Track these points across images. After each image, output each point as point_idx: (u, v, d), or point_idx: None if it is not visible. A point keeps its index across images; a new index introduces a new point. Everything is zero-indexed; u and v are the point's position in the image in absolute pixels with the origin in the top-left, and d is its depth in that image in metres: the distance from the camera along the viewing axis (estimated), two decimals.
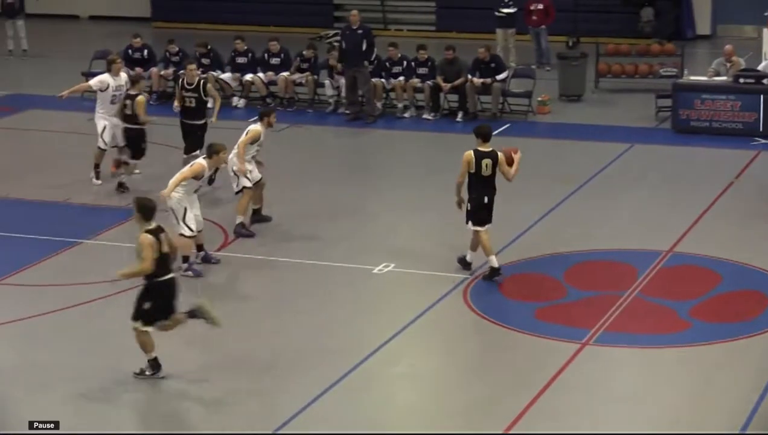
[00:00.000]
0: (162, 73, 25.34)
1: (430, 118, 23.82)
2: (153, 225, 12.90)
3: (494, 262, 15.63)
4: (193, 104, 19.27)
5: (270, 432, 11.96)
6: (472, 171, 15.54)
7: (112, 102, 19.42)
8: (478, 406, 12.63)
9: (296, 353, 13.88)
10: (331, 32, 30.10)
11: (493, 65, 23.83)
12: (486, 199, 15.63)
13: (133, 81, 19.33)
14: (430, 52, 24.40)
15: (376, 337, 14.15)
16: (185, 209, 15.77)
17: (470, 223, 15.69)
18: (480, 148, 15.60)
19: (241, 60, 25.18)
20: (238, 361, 13.72)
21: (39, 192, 19.34)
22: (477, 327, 14.60)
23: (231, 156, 16.84)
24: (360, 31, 23.91)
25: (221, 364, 13.69)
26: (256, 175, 17.46)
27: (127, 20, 32.24)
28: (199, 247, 16.36)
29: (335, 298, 15.50)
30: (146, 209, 12.92)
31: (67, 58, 28.43)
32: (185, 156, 18.84)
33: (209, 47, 25.37)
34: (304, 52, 24.93)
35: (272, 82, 24.95)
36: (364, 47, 23.68)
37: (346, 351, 13.84)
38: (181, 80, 19.75)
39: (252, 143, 17.26)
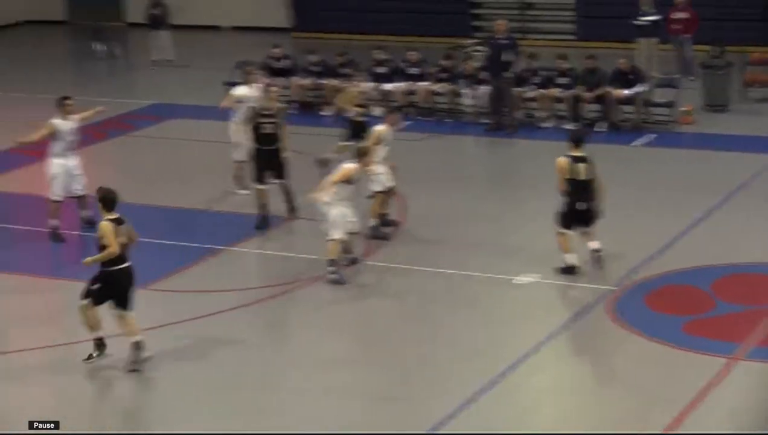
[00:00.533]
0: (302, 83, 25.48)
1: (570, 128, 23.52)
2: (114, 215, 13.54)
3: (571, 260, 15.83)
4: (272, 130, 18.01)
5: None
6: (568, 177, 15.67)
7: None
8: (624, 420, 12.36)
9: (438, 362, 13.79)
10: (470, 42, 29.97)
11: (631, 76, 23.49)
12: (583, 206, 15.73)
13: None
14: (570, 61, 24.14)
15: (520, 347, 13.97)
16: (338, 213, 15.89)
17: (557, 224, 15.87)
18: (572, 153, 15.77)
19: (380, 69, 25.20)
20: (383, 367, 13.72)
21: (182, 199, 19.54)
22: (622, 339, 14.27)
23: None
24: (506, 41, 23.75)
25: (368, 366, 13.79)
26: (389, 181, 17.52)
27: (269, 30, 32.52)
28: (347, 250, 16.41)
29: (477, 307, 15.37)
30: (107, 200, 13.61)
31: (210, 68, 28.74)
32: (262, 185, 18.09)
33: (349, 57, 25.45)
34: (442, 62, 24.87)
35: (411, 92, 24.92)
36: (508, 57, 23.52)
37: (489, 361, 13.69)
38: (256, 107, 18.28)
39: (376, 144, 17.24)
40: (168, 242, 17.63)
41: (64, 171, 17.84)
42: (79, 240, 18.22)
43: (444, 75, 24.74)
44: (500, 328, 14.74)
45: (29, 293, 16.09)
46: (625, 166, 21.37)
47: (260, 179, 18.02)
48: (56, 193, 17.87)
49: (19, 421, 12.01)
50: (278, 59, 25.82)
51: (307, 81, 25.58)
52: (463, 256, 16.96)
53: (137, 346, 13.56)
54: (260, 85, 20.12)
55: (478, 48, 26.82)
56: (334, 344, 14.53)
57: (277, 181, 18.20)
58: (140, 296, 15.81)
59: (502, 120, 23.65)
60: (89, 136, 21.33)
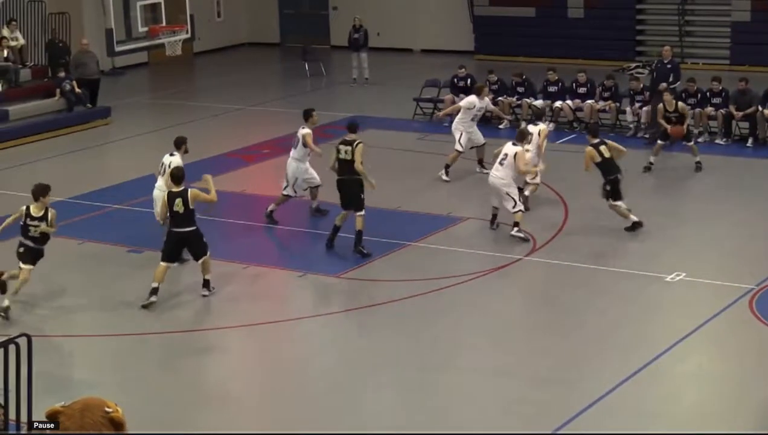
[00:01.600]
0: None
1: (722, 142, 23.09)
2: (180, 188, 14.99)
3: (634, 217, 17.52)
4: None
5: (565, 420, 11.86)
6: (598, 160, 17.39)
7: (472, 119, 20.92)
8: (763, 409, 12.15)
9: (592, 347, 13.77)
10: (633, 64, 29.54)
11: None
12: (614, 176, 17.38)
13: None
14: (724, 83, 23.63)
15: (667, 337, 13.83)
16: (516, 189, 17.33)
17: (610, 199, 17.51)
18: (592, 142, 17.47)
19: (552, 89, 25.10)
20: (544, 352, 13.71)
21: (375, 199, 19.75)
22: (760, 333, 14.00)
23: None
24: (669, 65, 23.47)
25: (530, 350, 13.79)
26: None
27: (454, 53, 32.63)
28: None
29: (630, 301, 15.21)
30: (173, 176, 15.16)
31: (402, 86, 28.96)
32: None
33: (524, 77, 25.43)
34: (605, 82, 24.66)
35: (579, 109, 24.76)
36: (671, 78, 23.22)
37: (639, 348, 13.60)
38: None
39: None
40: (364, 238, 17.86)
41: (302, 171, 18.36)
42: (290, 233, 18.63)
43: (607, 94, 24.52)
44: (651, 320, 14.58)
45: (238, 277, 16.60)
46: None
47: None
48: (289, 190, 18.42)
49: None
50: (462, 78, 25.92)
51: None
52: (622, 256, 16.83)
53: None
54: (488, 97, 21.91)
55: (641, 70, 26.42)
56: (502, 330, 14.61)
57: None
58: (337, 283, 16.23)
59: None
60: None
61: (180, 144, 16.54)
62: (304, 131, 18.33)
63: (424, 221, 18.54)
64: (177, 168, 15.44)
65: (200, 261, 15.29)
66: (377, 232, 17.73)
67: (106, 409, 5.60)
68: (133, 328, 14.77)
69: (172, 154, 16.49)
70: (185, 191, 15.01)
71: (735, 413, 12.17)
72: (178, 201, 14.93)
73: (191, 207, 14.99)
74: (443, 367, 13.35)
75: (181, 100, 29.95)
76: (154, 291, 15.12)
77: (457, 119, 21.08)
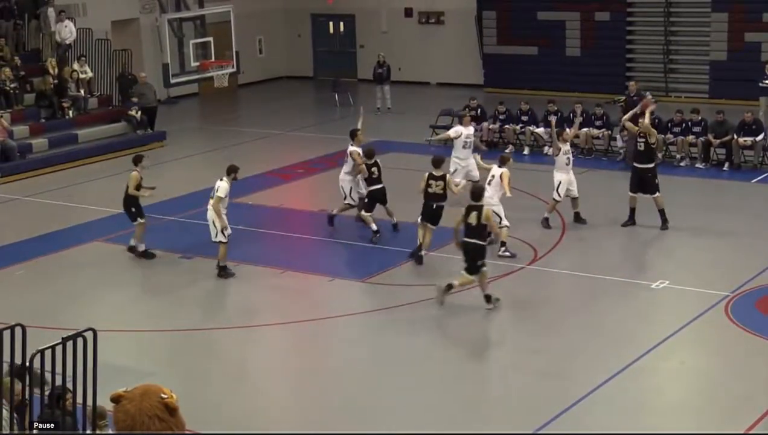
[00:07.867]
0: (490, 127, 25.53)
1: (701, 167, 23.01)
2: (441, 173, 16.06)
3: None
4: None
5: (558, 411, 11.82)
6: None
7: (464, 147, 20.10)
8: (734, 402, 12.08)
9: (588, 345, 13.70)
10: (622, 97, 29.47)
11: (754, 127, 22.83)
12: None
13: None
14: (703, 115, 23.57)
15: (652, 337, 13.77)
16: (501, 207, 16.76)
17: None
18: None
19: (551, 118, 25.01)
20: (545, 350, 13.65)
21: (396, 213, 19.77)
22: (734, 335, 13.93)
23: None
24: (636, 98, 23.40)
25: (534, 349, 13.71)
26: None
27: (466, 86, 32.63)
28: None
29: (620, 306, 15.15)
30: (474, 194, 14.94)
31: (420, 114, 28.98)
32: None
33: (528, 107, 25.39)
34: (595, 111, 24.64)
35: (576, 136, 24.67)
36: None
37: (628, 346, 13.53)
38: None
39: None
40: (383, 247, 17.89)
41: (354, 184, 18.54)
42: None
43: (598, 123, 24.46)
44: (639, 322, 14.54)
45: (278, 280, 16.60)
46: (745, 198, 20.79)
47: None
48: (349, 200, 18.53)
49: None
50: (473, 108, 25.93)
51: (494, 126, 25.64)
52: (616, 265, 16.77)
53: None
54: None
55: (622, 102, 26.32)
56: (508, 328, 14.57)
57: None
58: (357, 287, 16.20)
59: None
60: (326, 164, 21.82)
61: (231, 171, 16.27)
62: (351, 148, 18.36)
63: (438, 233, 18.49)
64: (477, 186, 15.84)
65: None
66: (397, 243, 17.74)
67: (162, 395, 5.61)
68: (184, 324, 14.83)
69: (221, 179, 16.29)
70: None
71: (712, 404, 12.11)
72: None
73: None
74: (457, 361, 13.33)
75: (227, 126, 30.03)
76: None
77: (453, 153, 20.25)
